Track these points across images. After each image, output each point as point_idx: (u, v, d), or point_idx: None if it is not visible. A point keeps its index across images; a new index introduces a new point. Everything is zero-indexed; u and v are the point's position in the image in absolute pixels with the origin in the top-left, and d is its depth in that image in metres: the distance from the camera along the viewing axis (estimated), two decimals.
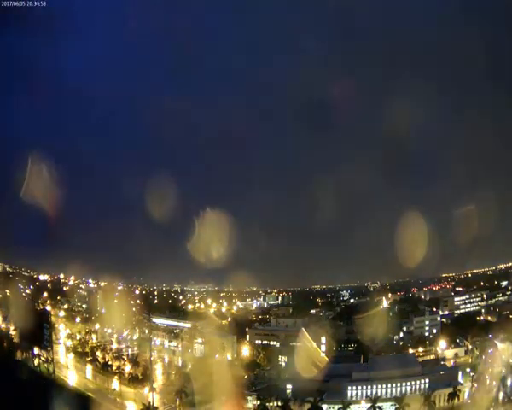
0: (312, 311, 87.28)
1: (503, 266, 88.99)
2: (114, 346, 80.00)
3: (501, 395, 55.43)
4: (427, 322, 77.41)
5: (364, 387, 58.09)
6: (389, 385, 58.30)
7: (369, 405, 56.28)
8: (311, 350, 68.85)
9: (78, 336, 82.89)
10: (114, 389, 66.99)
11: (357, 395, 58.04)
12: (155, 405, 59.78)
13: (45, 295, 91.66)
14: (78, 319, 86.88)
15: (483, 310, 77.97)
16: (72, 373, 72.78)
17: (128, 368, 70.37)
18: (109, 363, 71.64)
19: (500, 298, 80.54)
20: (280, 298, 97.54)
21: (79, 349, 78.54)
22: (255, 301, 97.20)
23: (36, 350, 68.04)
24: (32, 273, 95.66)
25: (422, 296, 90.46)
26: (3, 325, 78.45)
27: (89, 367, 72.80)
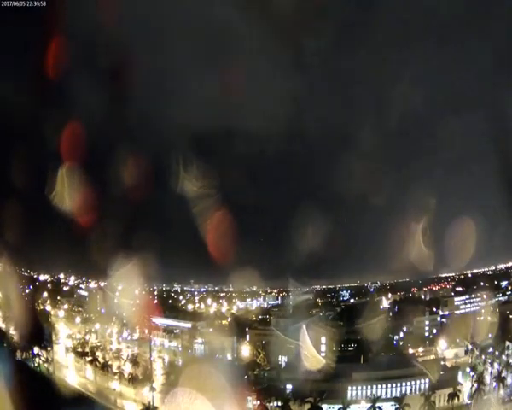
0: (312, 311, 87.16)
1: (503, 266, 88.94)
2: (114, 346, 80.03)
3: (501, 394, 55.60)
4: (427, 322, 77.33)
5: (364, 387, 58.17)
6: (389, 385, 58.40)
7: (369, 405, 56.39)
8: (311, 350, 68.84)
9: (78, 336, 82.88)
10: (114, 389, 67.10)
11: (357, 395, 58.13)
12: (155, 405, 59.92)
13: (45, 295, 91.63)
14: (78, 319, 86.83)
15: (483, 310, 77.86)
16: (72, 373, 72.88)
17: (128, 368, 70.46)
18: (109, 363, 71.70)
19: (500, 298, 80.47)
20: (280, 298, 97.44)
21: (79, 349, 78.56)
22: (255, 301, 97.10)
23: (36, 350, 68.08)
24: (32, 273, 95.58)
25: (422, 296, 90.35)
26: (3, 325, 78.39)
27: (89, 367, 72.88)
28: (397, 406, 55.95)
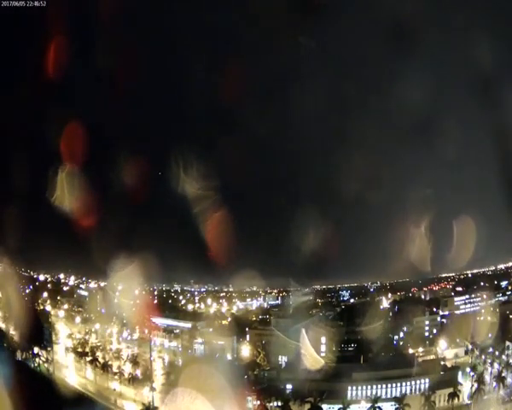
0: (312, 311, 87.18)
1: (503, 266, 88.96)
2: (114, 346, 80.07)
3: (501, 394, 55.64)
4: (427, 322, 77.34)
5: (364, 387, 58.17)
6: (389, 385, 58.41)
7: (369, 405, 56.39)
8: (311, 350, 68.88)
9: (78, 336, 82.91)
10: (114, 389, 67.12)
11: (357, 395, 58.13)
12: (155, 405, 59.96)
13: (45, 295, 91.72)
14: (78, 319, 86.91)
15: (483, 310, 77.95)
16: (72, 373, 72.89)
17: (128, 368, 70.49)
18: (109, 363, 71.73)
19: (500, 298, 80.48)
20: (280, 298, 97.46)
21: (79, 349, 78.58)
22: (255, 301, 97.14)
23: (36, 350, 68.13)
24: (32, 273, 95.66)
25: (422, 296, 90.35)
26: (3, 325, 78.47)
27: (89, 367, 72.91)
28: (397, 406, 55.96)
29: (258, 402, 58.81)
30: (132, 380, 67.27)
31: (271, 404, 58.44)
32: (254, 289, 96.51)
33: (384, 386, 58.34)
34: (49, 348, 67.97)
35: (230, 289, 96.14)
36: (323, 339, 71.25)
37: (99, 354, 75.60)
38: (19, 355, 69.38)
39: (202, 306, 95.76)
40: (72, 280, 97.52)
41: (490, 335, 64.35)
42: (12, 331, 74.27)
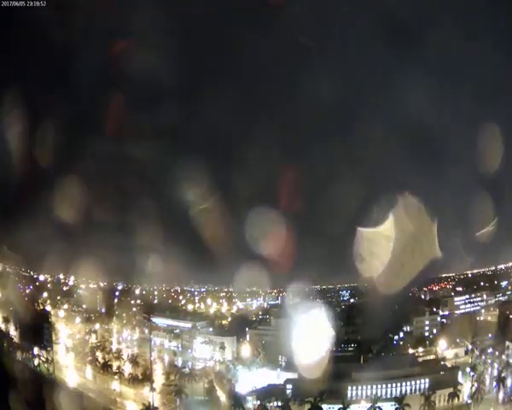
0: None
1: (503, 266, 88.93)
2: (114, 346, 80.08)
3: (501, 395, 55.63)
4: (427, 322, 77.33)
5: (364, 387, 58.17)
6: (389, 385, 58.40)
7: (369, 405, 56.39)
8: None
9: (78, 336, 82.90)
10: (114, 389, 67.14)
11: (357, 395, 58.13)
12: (155, 405, 59.97)
13: (45, 295, 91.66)
14: (78, 319, 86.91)
15: (483, 310, 77.99)
16: (72, 373, 72.90)
17: (128, 368, 70.49)
18: (109, 363, 71.74)
19: (500, 298, 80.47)
20: (280, 298, 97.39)
21: (79, 349, 78.57)
22: (255, 301, 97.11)
23: (36, 350, 68.16)
24: (32, 273, 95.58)
25: (422, 296, 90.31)
26: (3, 325, 78.48)
27: (89, 367, 72.94)
28: (397, 406, 55.97)
29: (259, 402, 58.80)
30: (132, 380, 67.25)
31: (271, 404, 58.41)
32: (254, 289, 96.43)
33: (384, 386, 58.34)
34: (49, 348, 67.98)
35: (230, 289, 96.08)
36: (323, 339, 71.20)
37: (99, 354, 75.65)
38: (19, 355, 69.35)
39: (202, 306, 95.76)
40: (72, 280, 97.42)
41: (490, 335, 64.37)
42: (12, 331, 74.29)
